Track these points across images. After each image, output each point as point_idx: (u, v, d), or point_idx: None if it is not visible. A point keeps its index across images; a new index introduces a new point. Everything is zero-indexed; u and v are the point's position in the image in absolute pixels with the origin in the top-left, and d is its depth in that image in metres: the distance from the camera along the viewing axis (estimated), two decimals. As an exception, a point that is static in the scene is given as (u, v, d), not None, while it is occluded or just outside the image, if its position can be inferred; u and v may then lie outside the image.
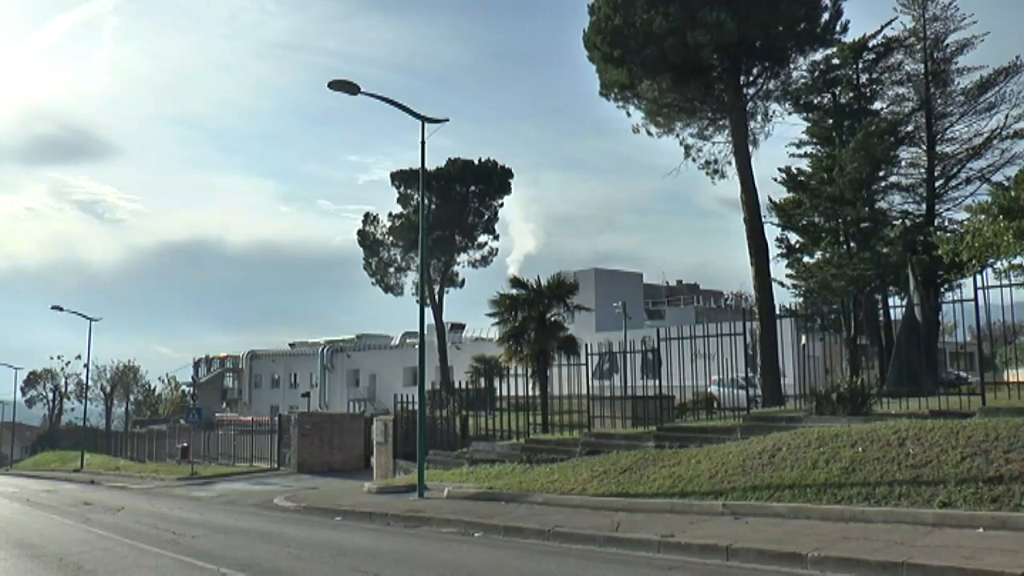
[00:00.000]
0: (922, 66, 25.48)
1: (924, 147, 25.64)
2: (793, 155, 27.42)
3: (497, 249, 55.72)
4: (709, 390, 21.19)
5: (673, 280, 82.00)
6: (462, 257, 53.91)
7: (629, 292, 55.76)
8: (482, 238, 54.19)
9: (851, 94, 26.37)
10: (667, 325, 27.61)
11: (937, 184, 25.53)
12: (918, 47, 25.55)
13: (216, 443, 40.37)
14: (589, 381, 19.94)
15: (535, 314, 23.75)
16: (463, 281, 54.75)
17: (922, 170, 25.74)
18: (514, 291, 24.22)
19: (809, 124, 26.89)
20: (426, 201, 48.00)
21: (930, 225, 24.82)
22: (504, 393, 23.40)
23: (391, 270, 54.40)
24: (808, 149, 27.08)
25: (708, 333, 17.49)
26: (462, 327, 68.15)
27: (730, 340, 17.12)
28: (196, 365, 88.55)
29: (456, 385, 28.30)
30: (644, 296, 62.90)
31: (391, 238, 53.94)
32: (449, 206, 51.23)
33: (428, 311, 48.32)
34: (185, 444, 40.19)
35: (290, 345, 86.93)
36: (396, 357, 67.95)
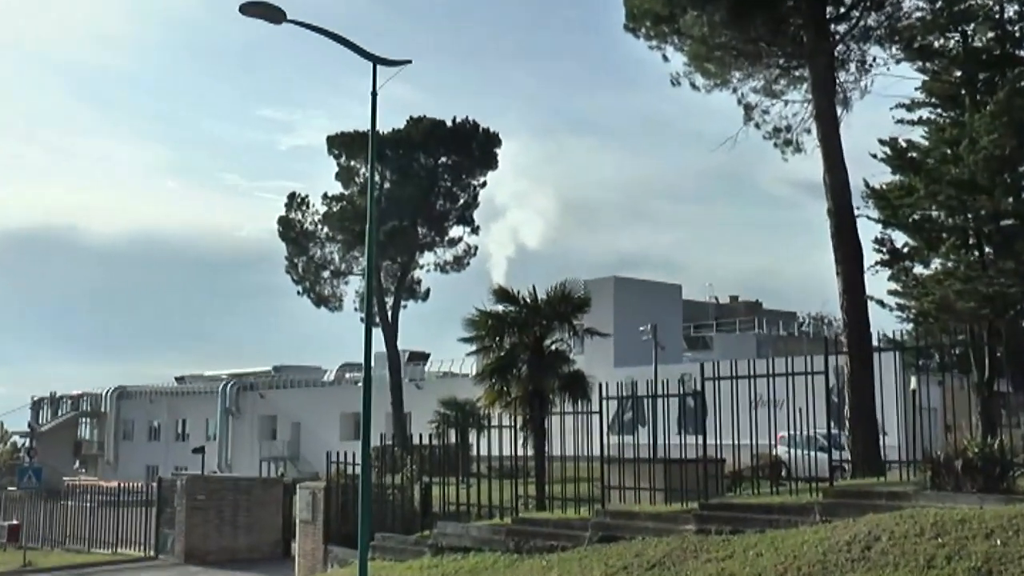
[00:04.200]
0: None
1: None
2: (902, 121, 27.67)
3: (476, 247, 56.32)
4: (775, 452, 21.22)
5: (725, 296, 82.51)
6: (427, 257, 54.30)
7: (662, 311, 56.01)
8: (456, 231, 54.55)
9: (990, 35, 26.62)
10: (715, 359, 27.64)
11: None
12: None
13: (64, 519, 39.92)
14: (604, 436, 19.93)
15: (529, 340, 23.73)
16: (427, 292, 55.06)
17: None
18: (499, 307, 24.20)
19: (927, 78, 27.08)
20: (377, 178, 48.19)
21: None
22: (483, 452, 22.87)
23: (325, 275, 54.66)
24: (924, 113, 27.37)
25: (774, 371, 17.43)
26: (425, 357, 68.33)
27: (806, 382, 17.04)
28: (36, 406, 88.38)
29: (416, 440, 28.10)
30: (684, 317, 63.25)
31: (326, 229, 54.23)
32: (410, 185, 51.49)
33: (377, 333, 48.46)
34: (15, 521, 39.71)
35: (177, 380, 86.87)
36: (330, 398, 67.92)
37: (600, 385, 21.20)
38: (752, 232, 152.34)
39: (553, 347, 24.19)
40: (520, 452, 22.52)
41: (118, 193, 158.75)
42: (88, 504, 39.93)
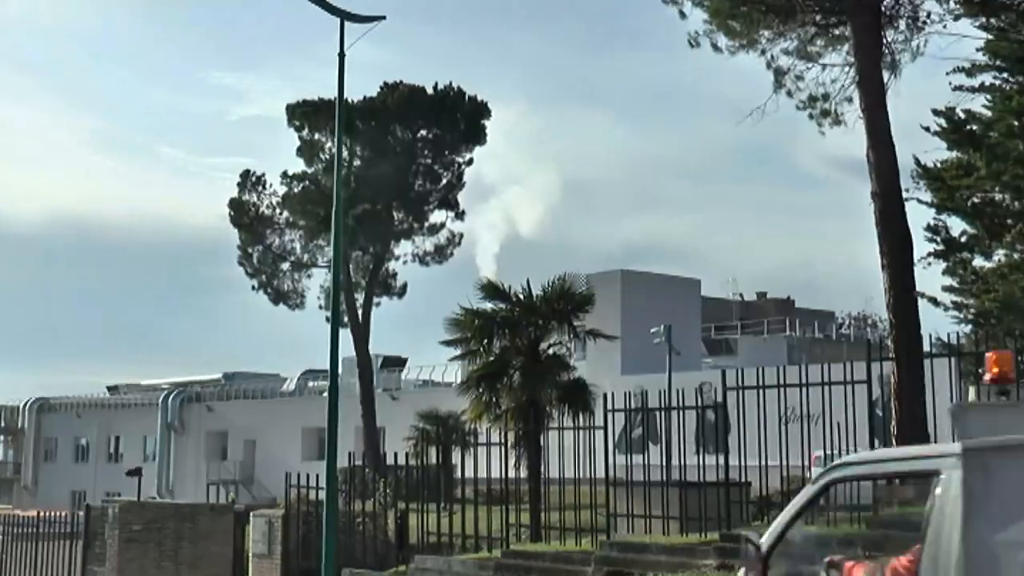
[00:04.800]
0: None
1: None
2: (960, 88, 27.59)
3: (461, 235, 56.45)
4: (809, 475, 21.23)
5: (751, 292, 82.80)
6: (404, 247, 54.44)
7: (678, 310, 56.18)
8: (437, 216, 54.63)
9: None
10: (740, 366, 27.81)
11: None
12: None
13: (-30, 555, 39.86)
14: (610, 455, 19.99)
15: (522, 343, 23.97)
16: (404, 287, 55.19)
17: None
18: (488, 305, 24.44)
19: (991, 36, 27.11)
20: (346, 154, 48.28)
21: None
22: (469, 473, 23.19)
23: (285, 267, 54.78)
24: (987, 78, 27.24)
25: (808, 380, 17.59)
26: (401, 363, 68.47)
27: (846, 393, 17.21)
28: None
29: (390, 459, 28.20)
30: (703, 317, 63.44)
31: (285, 214, 54.32)
32: (384, 162, 51.63)
33: (345, 335, 48.55)
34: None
35: (109, 390, 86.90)
36: (290, 412, 68.02)
37: (605, 396, 21.25)
38: (783, 218, 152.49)
39: (551, 351, 24.28)
40: (512, 474, 22.41)
41: (36, 170, 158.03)
42: (1, 537, 39.82)
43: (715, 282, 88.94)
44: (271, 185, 54.52)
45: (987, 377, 7.96)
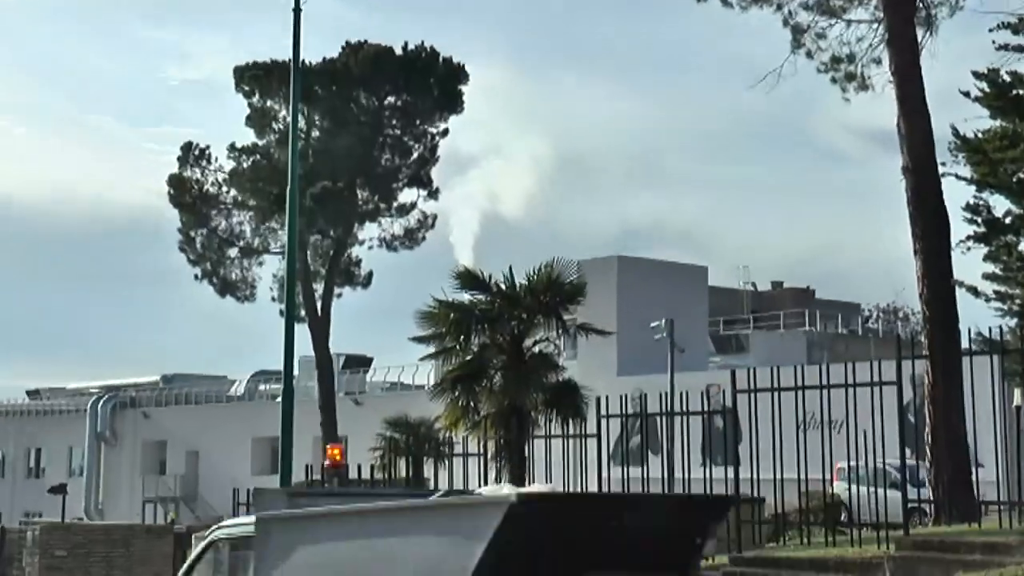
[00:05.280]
0: None
1: None
2: (1005, 47, 27.50)
3: (435, 217, 56.42)
4: (832, 489, 21.88)
5: (765, 282, 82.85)
6: (369, 230, 54.29)
7: (682, 301, 55.92)
8: (407, 195, 54.54)
9: None
10: (752, 365, 27.86)
11: None
12: None
13: None
14: (604, 467, 20.23)
15: (504, 340, 23.76)
16: (369, 276, 55.01)
17: None
18: (466, 296, 24.20)
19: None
20: (303, 123, 48.09)
21: None
22: (444, 488, 23.43)
23: (233, 253, 54.60)
24: (1034, 37, 27.21)
25: (830, 381, 17.62)
26: (366, 363, 68.28)
27: (872, 395, 17.17)
28: None
29: (354, 473, 27.99)
30: (711, 310, 63.38)
31: (233, 192, 54.17)
32: (346, 133, 51.53)
33: (302, 331, 48.30)
34: None
35: (30, 395, 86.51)
36: (239, 419, 67.90)
37: (599, 399, 21.23)
38: (802, 198, 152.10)
39: (537, 349, 24.08)
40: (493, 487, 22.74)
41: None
42: None
43: (725, 270, 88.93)
44: (216, 159, 54.38)
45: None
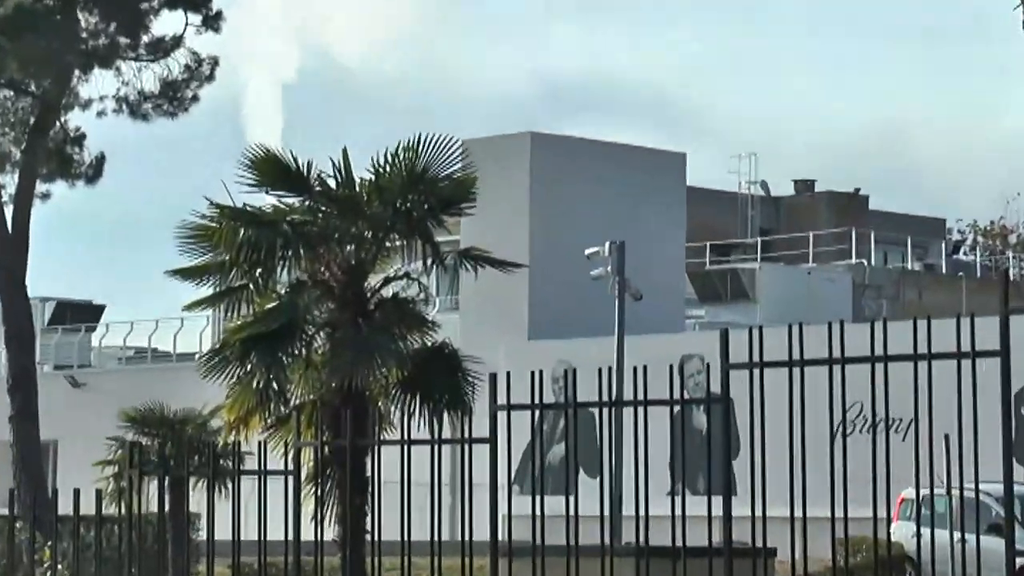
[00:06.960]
0: None
1: None
2: None
3: (216, 60, 42.65)
4: (890, 533, 18.10)
5: (785, 181, 70.07)
6: (100, 82, 40.96)
7: (643, 212, 46.40)
8: (167, 21, 40.51)
9: None
10: (759, 323, 24.23)
11: None
12: None
13: None
14: (503, 492, 15.97)
15: (334, 276, 19.60)
16: (100, 162, 42.34)
17: None
18: (268, 199, 19.72)
19: None
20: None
21: None
22: (225, 532, 18.47)
23: None
24: None
25: (888, 352, 13.08)
26: (94, 314, 58.08)
27: (959, 374, 13.22)
28: None
29: (66, 506, 22.94)
30: (692, 228, 52.45)
31: None
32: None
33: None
34: None
35: None
36: None
37: (494, 378, 16.04)
38: (849, 50, 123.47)
39: (390, 291, 20.19)
40: (311, 531, 17.34)
41: None
42: None
43: (716, 159, 75.66)
44: None
45: None
